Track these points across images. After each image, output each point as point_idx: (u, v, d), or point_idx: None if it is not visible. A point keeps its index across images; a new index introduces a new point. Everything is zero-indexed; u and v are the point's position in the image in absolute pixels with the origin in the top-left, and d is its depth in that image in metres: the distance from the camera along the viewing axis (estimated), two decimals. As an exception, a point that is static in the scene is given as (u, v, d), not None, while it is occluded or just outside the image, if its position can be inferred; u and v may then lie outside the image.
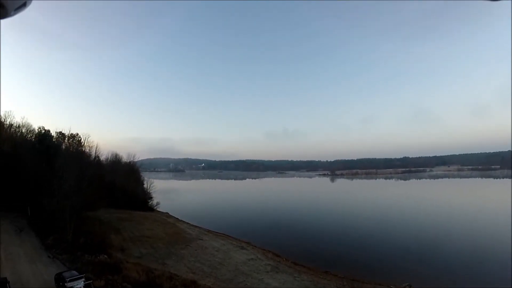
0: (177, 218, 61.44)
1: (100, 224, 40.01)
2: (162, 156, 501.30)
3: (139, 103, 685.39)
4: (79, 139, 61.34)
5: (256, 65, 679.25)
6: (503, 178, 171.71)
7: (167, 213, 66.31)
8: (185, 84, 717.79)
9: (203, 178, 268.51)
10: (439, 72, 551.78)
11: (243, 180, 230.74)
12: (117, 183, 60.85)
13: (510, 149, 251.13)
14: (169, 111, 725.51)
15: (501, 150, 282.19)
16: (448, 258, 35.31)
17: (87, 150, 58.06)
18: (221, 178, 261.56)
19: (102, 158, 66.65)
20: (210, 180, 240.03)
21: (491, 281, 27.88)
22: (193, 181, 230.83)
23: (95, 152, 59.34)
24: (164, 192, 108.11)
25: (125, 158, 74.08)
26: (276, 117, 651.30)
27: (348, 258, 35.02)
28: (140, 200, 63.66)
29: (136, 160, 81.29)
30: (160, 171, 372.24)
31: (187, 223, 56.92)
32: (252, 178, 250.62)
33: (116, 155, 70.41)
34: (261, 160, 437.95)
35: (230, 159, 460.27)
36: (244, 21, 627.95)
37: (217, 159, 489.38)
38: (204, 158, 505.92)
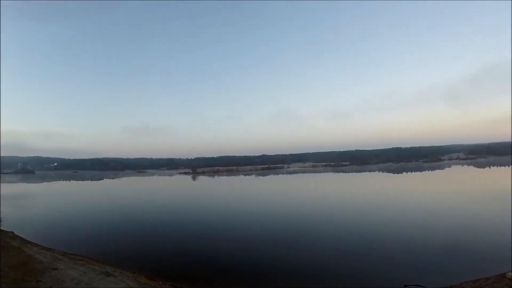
0: (24, 239, 51.66)
1: None
2: (8, 154, 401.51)
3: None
4: None
5: (110, 59, 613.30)
6: (352, 172, 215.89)
7: (11, 232, 54.11)
8: (33, 63, 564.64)
9: (55, 180, 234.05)
10: (302, 75, 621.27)
11: (100, 181, 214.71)
12: None
13: (356, 148, 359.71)
14: (17, 95, 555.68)
15: (349, 149, 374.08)
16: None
17: None
18: (75, 179, 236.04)
19: None
20: (64, 181, 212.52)
21: None
22: (44, 183, 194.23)
23: None
24: (9, 200, 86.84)
25: None
26: (136, 111, 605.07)
27: (231, 266, 30.45)
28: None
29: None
30: (6, 173, 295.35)
31: (36, 244, 48.76)
32: (110, 178, 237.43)
33: None
34: (119, 158, 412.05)
35: (86, 157, 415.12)
36: (109, 10, 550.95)
37: (72, 157, 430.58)
38: (57, 156, 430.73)
